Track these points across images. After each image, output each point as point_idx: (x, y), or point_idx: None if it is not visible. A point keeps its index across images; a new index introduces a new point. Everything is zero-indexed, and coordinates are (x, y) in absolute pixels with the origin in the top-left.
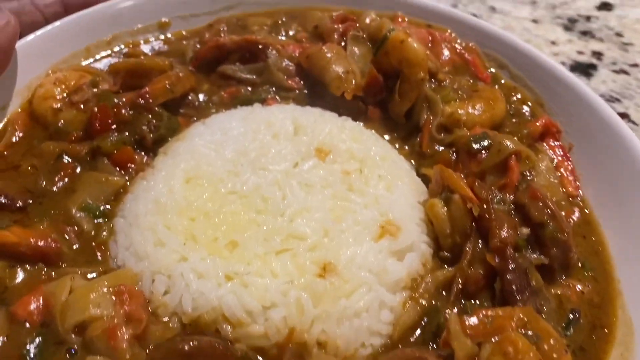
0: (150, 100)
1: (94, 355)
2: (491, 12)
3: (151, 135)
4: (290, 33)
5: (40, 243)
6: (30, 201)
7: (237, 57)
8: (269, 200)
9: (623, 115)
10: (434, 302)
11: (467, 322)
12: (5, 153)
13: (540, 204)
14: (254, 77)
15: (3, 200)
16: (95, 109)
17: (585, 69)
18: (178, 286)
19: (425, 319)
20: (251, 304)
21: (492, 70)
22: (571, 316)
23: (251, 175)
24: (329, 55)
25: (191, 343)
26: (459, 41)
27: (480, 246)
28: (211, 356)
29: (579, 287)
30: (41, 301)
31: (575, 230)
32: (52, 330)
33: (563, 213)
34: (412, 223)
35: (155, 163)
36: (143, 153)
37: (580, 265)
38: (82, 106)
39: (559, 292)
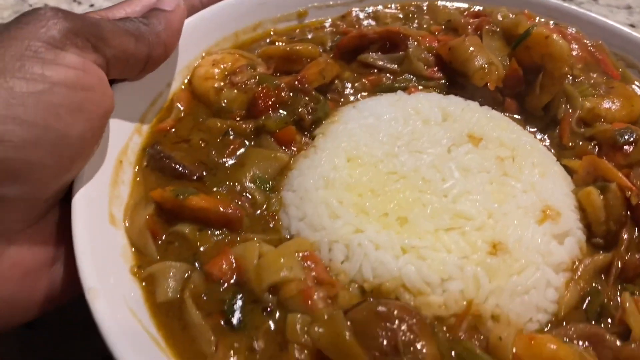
0: (307, 85)
1: (291, 313)
2: None
3: (309, 116)
4: (424, 26)
5: (227, 210)
6: (205, 173)
7: (377, 47)
8: (429, 182)
9: None
10: (594, 284)
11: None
12: (174, 128)
13: None
14: (395, 66)
15: (182, 170)
16: (260, 89)
17: None
18: (357, 255)
19: (588, 300)
20: (430, 276)
21: (620, 69)
22: None
23: (408, 157)
24: (471, 48)
25: (388, 306)
26: (587, 40)
27: (637, 234)
28: (406, 319)
29: None
30: (233, 263)
31: None
32: (247, 290)
33: None
34: (568, 210)
35: (316, 143)
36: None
37: None
38: (242, 87)
39: None
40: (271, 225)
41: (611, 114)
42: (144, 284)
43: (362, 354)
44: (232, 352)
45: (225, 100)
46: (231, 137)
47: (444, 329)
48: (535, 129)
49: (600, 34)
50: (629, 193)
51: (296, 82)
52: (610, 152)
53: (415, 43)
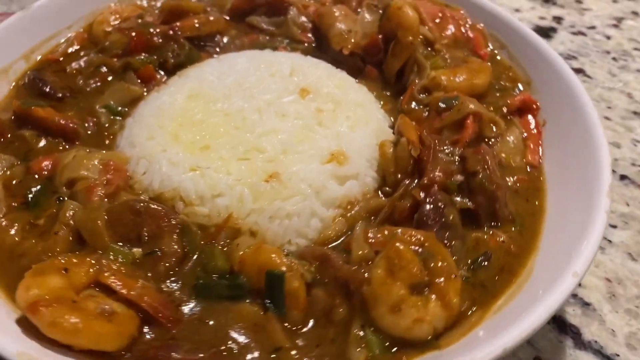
0: (179, 33)
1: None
2: None
3: (172, 60)
4: None
5: (63, 122)
6: (68, 94)
7: (264, 10)
8: (247, 120)
9: (578, 71)
10: (360, 222)
11: (370, 234)
12: (61, 59)
13: (479, 157)
14: (274, 28)
15: (46, 89)
16: (133, 33)
17: (545, 32)
18: (154, 169)
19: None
20: (203, 191)
21: (491, 47)
22: (481, 257)
23: (239, 99)
24: (337, 14)
25: (142, 204)
26: (468, 21)
27: (415, 184)
28: (154, 216)
29: (502, 237)
30: (51, 162)
31: (522, 193)
32: (53, 183)
33: (515, 178)
34: (363, 158)
35: (170, 81)
36: (164, 74)
37: (512, 219)
38: (126, 32)
39: (478, 236)
40: (107, 142)
41: (452, 84)
42: None
43: (106, 236)
44: (15, 223)
45: (109, 42)
46: (102, 71)
47: (200, 235)
48: (387, 95)
49: (482, 16)
50: (411, 146)
51: (170, 30)
52: (435, 117)
53: (296, 10)
